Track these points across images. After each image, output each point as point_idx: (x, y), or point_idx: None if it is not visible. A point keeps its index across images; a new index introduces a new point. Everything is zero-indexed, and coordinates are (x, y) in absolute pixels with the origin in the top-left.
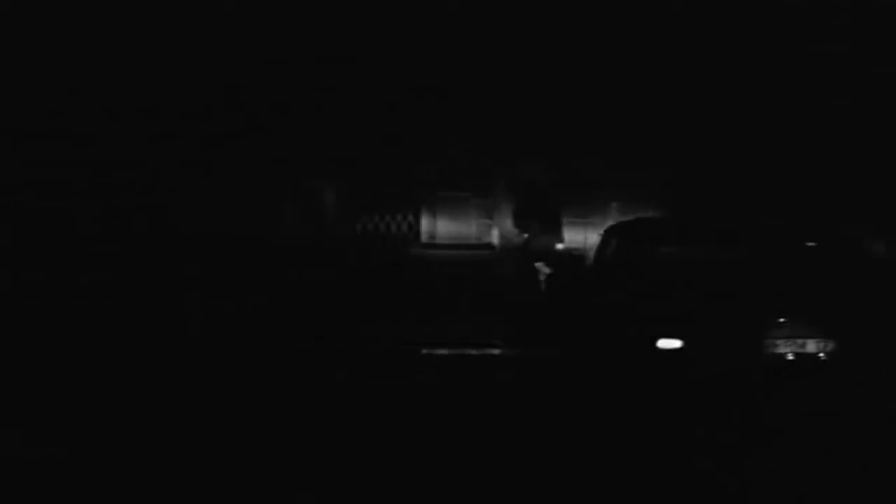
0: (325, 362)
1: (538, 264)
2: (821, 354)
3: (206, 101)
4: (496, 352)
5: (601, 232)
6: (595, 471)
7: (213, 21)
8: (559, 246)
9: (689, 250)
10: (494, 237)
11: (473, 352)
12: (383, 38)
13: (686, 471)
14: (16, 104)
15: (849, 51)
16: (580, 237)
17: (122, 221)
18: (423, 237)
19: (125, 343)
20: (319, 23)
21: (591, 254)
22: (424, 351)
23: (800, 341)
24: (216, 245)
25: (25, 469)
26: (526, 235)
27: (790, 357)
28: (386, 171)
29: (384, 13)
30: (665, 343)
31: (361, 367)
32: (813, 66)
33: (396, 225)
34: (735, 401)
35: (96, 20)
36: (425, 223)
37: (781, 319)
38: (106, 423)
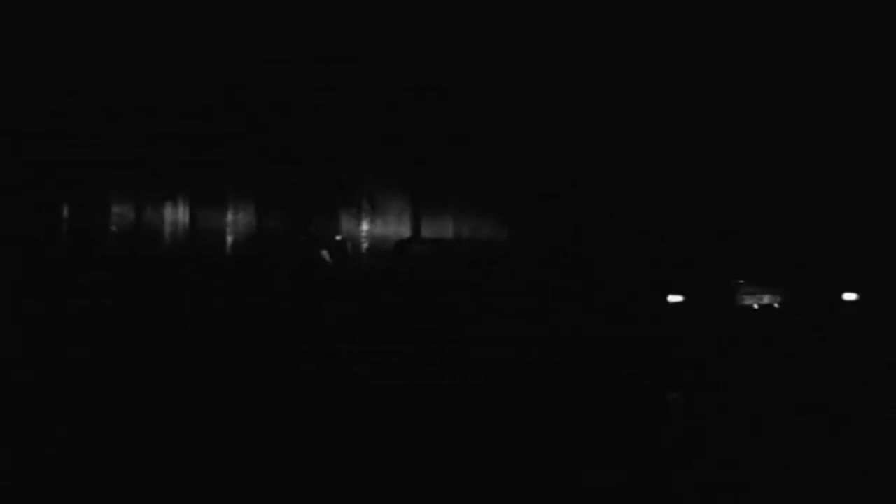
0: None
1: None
2: (775, 304)
3: (206, 101)
4: None
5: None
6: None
7: (213, 21)
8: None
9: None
10: None
11: None
12: (383, 38)
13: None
14: (16, 104)
15: (849, 51)
16: None
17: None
18: None
19: (125, 343)
20: (319, 23)
21: None
22: None
23: (759, 295)
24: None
25: (24, 469)
26: None
27: (755, 306)
28: None
29: (384, 13)
30: (673, 298)
31: None
32: (813, 66)
33: None
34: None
35: (96, 20)
36: None
37: (743, 281)
38: (105, 423)
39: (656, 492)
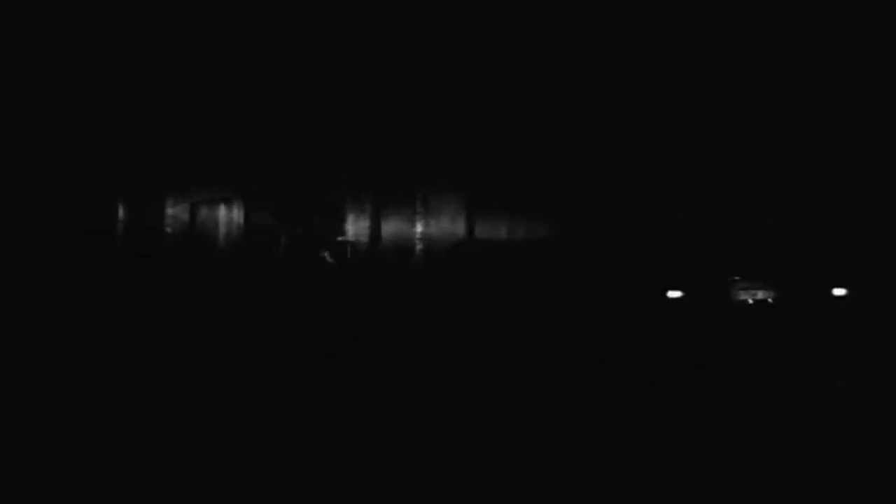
0: None
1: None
2: (769, 299)
3: (206, 101)
4: None
5: None
6: None
7: (213, 21)
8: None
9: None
10: None
11: None
12: (383, 38)
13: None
14: (16, 104)
15: (849, 51)
16: None
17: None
18: None
19: (125, 344)
20: (319, 23)
21: None
22: None
23: (754, 291)
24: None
25: (25, 469)
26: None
27: (750, 301)
28: None
29: (384, 13)
30: (672, 293)
31: None
32: (813, 66)
33: None
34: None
35: (96, 20)
36: None
37: (738, 278)
38: (106, 424)
39: (657, 492)
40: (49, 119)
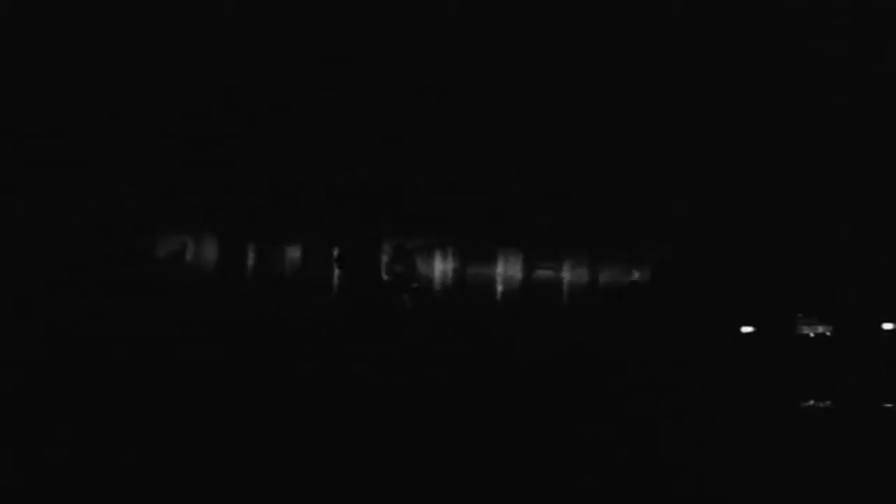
0: None
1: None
2: (827, 333)
3: (206, 101)
4: None
5: None
6: None
7: (213, 21)
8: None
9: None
10: None
11: None
12: (383, 38)
13: None
14: (16, 104)
15: (849, 51)
16: None
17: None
18: None
19: (123, 346)
20: (319, 23)
21: None
22: None
23: (814, 326)
24: None
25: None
26: None
27: (811, 335)
28: None
29: (384, 13)
30: (745, 329)
31: None
32: (813, 66)
33: None
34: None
35: (96, 20)
36: None
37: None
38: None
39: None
40: (49, 119)
